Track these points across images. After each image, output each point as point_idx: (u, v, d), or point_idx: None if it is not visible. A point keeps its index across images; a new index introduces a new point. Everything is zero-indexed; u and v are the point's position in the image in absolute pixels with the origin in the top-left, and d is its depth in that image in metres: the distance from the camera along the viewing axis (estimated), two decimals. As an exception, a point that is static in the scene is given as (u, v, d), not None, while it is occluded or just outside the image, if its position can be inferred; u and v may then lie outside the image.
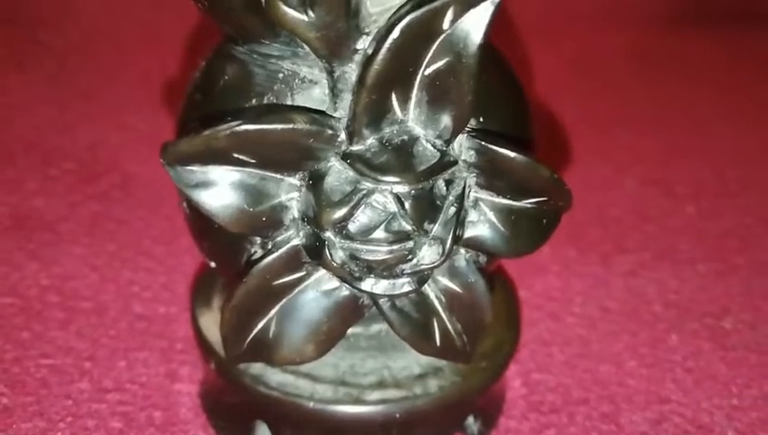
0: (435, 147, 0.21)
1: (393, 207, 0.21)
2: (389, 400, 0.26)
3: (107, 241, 0.39)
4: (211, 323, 0.28)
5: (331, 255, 0.22)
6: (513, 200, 0.23)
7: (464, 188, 0.22)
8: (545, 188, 0.23)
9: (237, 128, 0.20)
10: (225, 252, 0.25)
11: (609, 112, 0.50)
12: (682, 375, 0.33)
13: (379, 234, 0.21)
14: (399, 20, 0.19)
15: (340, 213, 0.21)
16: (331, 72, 0.21)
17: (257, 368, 0.26)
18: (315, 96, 0.22)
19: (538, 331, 0.35)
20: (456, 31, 0.20)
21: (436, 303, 0.24)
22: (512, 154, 0.21)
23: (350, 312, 0.24)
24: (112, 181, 0.44)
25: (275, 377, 0.26)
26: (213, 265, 0.27)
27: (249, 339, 0.24)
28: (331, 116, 0.21)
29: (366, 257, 0.21)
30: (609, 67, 0.54)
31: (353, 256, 0.22)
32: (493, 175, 0.22)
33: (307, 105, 0.22)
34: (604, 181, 0.45)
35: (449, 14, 0.19)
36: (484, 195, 0.23)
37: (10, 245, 0.38)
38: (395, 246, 0.21)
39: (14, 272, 0.36)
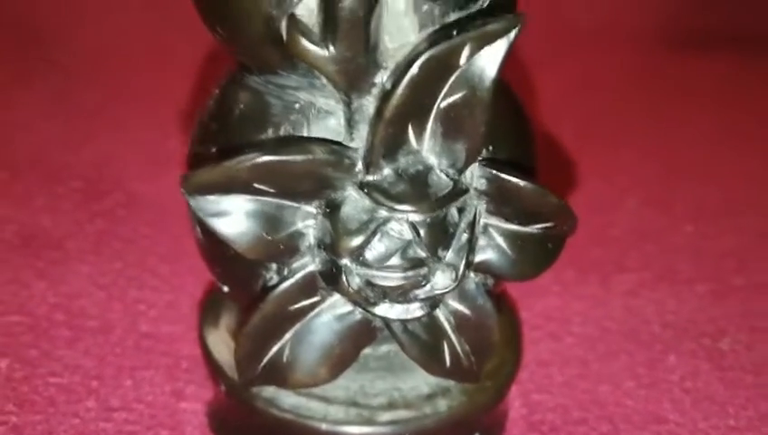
0: (448, 176, 0.22)
1: (408, 234, 0.22)
2: (400, 420, 0.26)
3: (113, 259, 0.39)
4: (220, 344, 0.29)
5: (347, 281, 0.22)
6: (521, 226, 0.24)
7: (475, 214, 0.23)
8: (552, 214, 0.24)
9: (259, 159, 0.21)
10: (239, 278, 0.25)
11: (608, 133, 0.51)
12: (679, 395, 0.33)
13: (395, 261, 0.22)
14: (418, 56, 0.20)
15: (357, 241, 0.22)
16: (348, 104, 0.22)
17: (269, 391, 0.27)
18: (331, 127, 0.23)
19: (537, 351, 0.35)
20: (471, 66, 0.20)
21: (446, 325, 0.25)
22: (522, 182, 0.22)
23: (362, 335, 0.25)
24: (118, 199, 0.44)
25: (288, 399, 0.26)
26: (225, 289, 0.27)
27: (263, 363, 0.25)
28: (348, 147, 0.22)
29: (382, 283, 0.22)
30: (609, 88, 0.55)
31: (369, 283, 0.22)
32: (502, 202, 0.23)
33: (323, 136, 0.22)
34: (604, 201, 0.45)
35: (466, 51, 0.20)
36: (493, 221, 0.24)
37: (18, 263, 0.38)
38: (410, 273, 0.22)
39: (22, 290, 0.36)
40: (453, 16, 0.21)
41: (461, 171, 0.22)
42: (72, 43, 0.60)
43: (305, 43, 0.20)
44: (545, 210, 0.23)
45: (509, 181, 0.22)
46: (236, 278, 0.26)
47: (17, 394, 0.31)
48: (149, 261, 0.39)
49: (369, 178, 0.21)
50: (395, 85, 0.20)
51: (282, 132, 0.23)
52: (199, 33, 0.59)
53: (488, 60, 0.20)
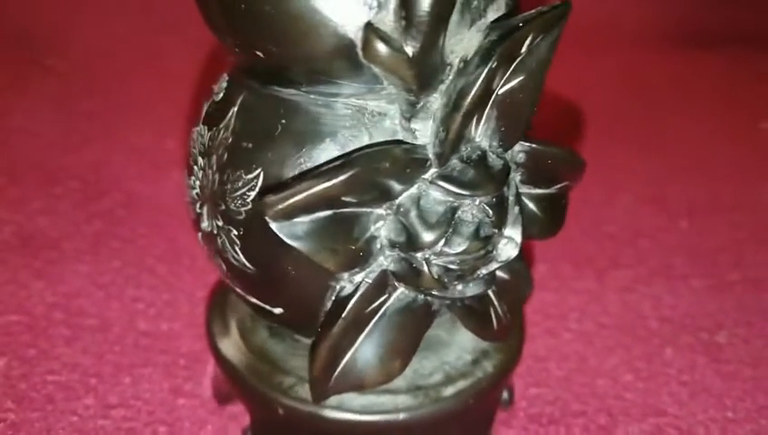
0: (498, 156, 0.23)
1: (480, 216, 0.23)
2: (462, 389, 0.27)
3: (111, 259, 0.39)
4: (251, 372, 0.28)
5: (430, 272, 0.23)
6: (546, 189, 0.26)
7: (516, 187, 0.24)
8: (571, 172, 0.26)
9: (352, 172, 0.21)
10: (305, 297, 0.25)
11: (603, 131, 0.51)
12: (677, 388, 0.33)
13: (469, 243, 0.23)
14: (491, 50, 0.21)
15: (439, 233, 0.22)
16: (414, 104, 0.22)
17: (333, 400, 0.26)
18: (387, 128, 0.23)
19: (535, 347, 0.35)
20: (531, 53, 0.22)
21: (491, 293, 0.26)
22: (555, 149, 0.25)
23: (425, 320, 0.25)
24: (116, 200, 0.45)
25: (356, 401, 0.26)
26: (278, 311, 0.26)
27: (337, 373, 0.25)
28: (418, 144, 0.22)
29: (459, 267, 0.23)
30: (604, 87, 0.55)
31: (447, 269, 0.23)
32: (536, 170, 0.25)
33: (383, 138, 0.23)
34: (599, 199, 0.45)
35: (529, 39, 0.21)
36: (524, 189, 0.25)
37: (16, 263, 0.38)
38: (481, 252, 0.23)
39: (20, 290, 0.36)
40: (489, 11, 0.22)
41: (507, 150, 0.23)
42: (69, 49, 0.60)
43: (385, 49, 0.21)
44: (567, 170, 0.26)
45: (545, 150, 0.24)
46: (301, 298, 0.25)
47: (16, 392, 0.31)
48: (147, 261, 0.39)
49: (442, 171, 0.22)
50: (474, 79, 0.21)
51: (341, 141, 0.23)
52: (193, 38, 0.59)
53: (546, 46, 0.22)
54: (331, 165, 0.21)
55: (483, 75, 0.21)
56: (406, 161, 0.22)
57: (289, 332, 0.28)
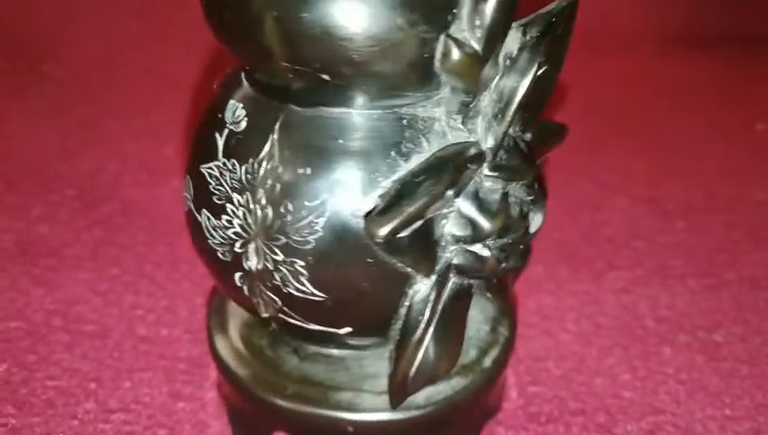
0: (522, 140, 0.25)
1: (521, 196, 0.25)
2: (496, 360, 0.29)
3: (110, 266, 0.39)
4: (300, 404, 0.27)
5: (493, 257, 0.24)
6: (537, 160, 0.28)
7: None
8: (556, 142, 0.29)
9: (449, 179, 0.23)
10: (378, 310, 0.25)
11: (599, 133, 0.52)
12: (675, 387, 0.34)
13: (518, 222, 0.25)
14: (536, 49, 0.23)
15: (501, 219, 0.24)
16: (468, 104, 0.23)
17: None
18: (437, 131, 0.23)
19: (533, 347, 0.36)
20: (554, 43, 0.23)
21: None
22: (554, 124, 0.28)
23: (468, 302, 0.26)
24: (114, 207, 0.45)
25: (423, 394, 0.27)
26: (346, 331, 0.26)
27: (413, 373, 0.25)
28: (476, 141, 0.24)
29: (511, 247, 0.24)
30: (599, 89, 0.56)
31: (502, 249, 0.24)
32: (539, 145, 0.27)
33: (438, 141, 0.23)
34: (595, 201, 0.46)
35: (559, 32, 0.23)
36: None
37: (16, 270, 0.38)
38: (524, 228, 0.25)
39: (20, 297, 0.37)
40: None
41: (526, 133, 0.25)
42: (66, 56, 0.61)
43: (463, 57, 0.22)
44: (555, 140, 0.28)
45: (549, 126, 0.27)
46: (374, 312, 0.25)
47: (16, 397, 0.31)
48: (146, 267, 0.39)
49: (494, 162, 0.24)
50: (525, 74, 0.23)
51: (404, 151, 0.23)
52: (189, 45, 0.59)
53: (565, 34, 0.23)
54: (421, 177, 0.22)
55: (533, 71, 0.22)
56: (474, 160, 0.23)
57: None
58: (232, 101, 0.25)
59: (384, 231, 0.22)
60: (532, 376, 0.34)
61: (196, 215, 0.25)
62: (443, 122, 0.24)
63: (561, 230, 0.44)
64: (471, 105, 0.23)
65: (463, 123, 0.24)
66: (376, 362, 0.28)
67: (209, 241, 0.25)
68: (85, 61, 0.60)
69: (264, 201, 0.23)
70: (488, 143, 0.23)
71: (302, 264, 0.23)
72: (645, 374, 0.34)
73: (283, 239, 0.23)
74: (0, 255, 0.40)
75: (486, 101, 0.23)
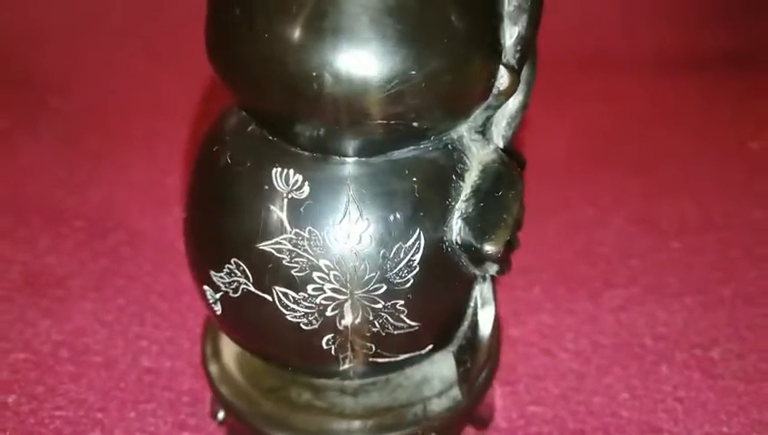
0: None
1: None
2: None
3: (116, 297, 0.40)
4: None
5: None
6: None
7: None
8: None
9: (522, 185, 0.26)
10: (458, 318, 0.28)
11: (593, 153, 0.52)
12: (673, 405, 0.34)
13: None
14: (533, 40, 0.25)
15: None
16: (491, 117, 0.26)
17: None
18: (466, 145, 0.26)
19: (532, 366, 0.36)
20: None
21: None
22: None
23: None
24: (120, 238, 0.46)
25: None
26: (428, 348, 0.27)
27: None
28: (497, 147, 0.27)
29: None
30: (592, 109, 0.57)
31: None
32: None
33: (471, 156, 0.26)
34: (590, 221, 0.46)
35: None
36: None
37: (24, 302, 0.39)
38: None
39: (27, 328, 0.37)
40: None
41: None
42: (74, 89, 0.62)
43: (512, 78, 0.24)
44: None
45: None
46: (455, 321, 0.28)
47: (25, 427, 0.32)
48: (150, 298, 0.40)
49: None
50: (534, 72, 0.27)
51: (459, 172, 0.25)
52: (192, 78, 0.60)
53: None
54: (501, 190, 0.25)
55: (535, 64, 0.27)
56: (514, 162, 0.27)
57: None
58: (277, 169, 0.24)
59: (498, 247, 0.24)
60: (531, 396, 0.34)
61: (263, 296, 0.25)
62: (466, 137, 0.25)
63: (557, 251, 0.44)
64: (492, 116, 0.26)
65: (483, 133, 0.26)
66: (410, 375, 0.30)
67: (287, 317, 0.25)
68: (93, 94, 0.61)
69: (358, 258, 0.24)
70: (500, 145, 0.27)
71: (402, 302, 0.24)
72: (643, 393, 0.35)
73: (384, 287, 0.24)
74: (8, 286, 0.41)
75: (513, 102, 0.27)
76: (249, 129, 0.25)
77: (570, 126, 0.54)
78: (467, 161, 0.25)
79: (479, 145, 0.26)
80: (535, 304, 0.40)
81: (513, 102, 0.27)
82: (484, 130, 0.26)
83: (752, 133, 0.53)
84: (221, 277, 0.26)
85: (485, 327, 0.29)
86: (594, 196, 0.48)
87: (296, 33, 0.22)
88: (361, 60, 0.21)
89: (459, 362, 0.29)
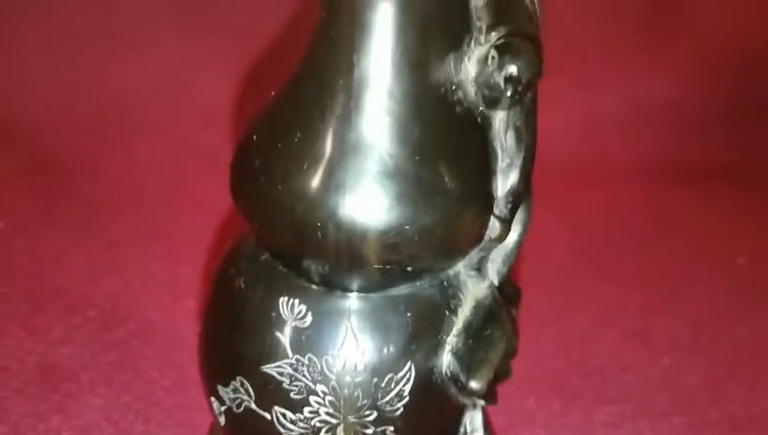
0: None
1: None
2: None
3: (123, 393, 0.41)
4: None
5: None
6: None
7: None
8: None
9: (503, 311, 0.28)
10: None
11: (590, 265, 0.54)
12: None
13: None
14: None
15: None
16: (485, 256, 0.28)
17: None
18: (463, 281, 0.28)
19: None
20: None
21: None
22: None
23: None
24: (130, 329, 0.47)
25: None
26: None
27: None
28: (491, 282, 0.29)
29: None
30: (591, 221, 0.59)
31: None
32: None
33: (466, 292, 0.28)
34: (586, 332, 0.48)
35: None
36: None
37: (37, 396, 0.41)
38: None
39: (39, 423, 0.39)
40: None
41: None
42: (97, 178, 0.65)
43: (503, 227, 0.27)
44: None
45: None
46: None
47: None
48: (156, 394, 0.42)
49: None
50: None
51: (452, 307, 0.27)
52: (212, 168, 0.63)
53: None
54: (488, 329, 0.27)
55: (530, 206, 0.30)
56: (503, 299, 0.29)
57: None
58: (284, 298, 0.26)
59: (483, 384, 0.26)
60: None
61: (263, 414, 0.27)
62: (463, 273, 0.27)
63: (552, 361, 0.46)
64: (486, 255, 0.28)
65: (479, 269, 0.28)
66: None
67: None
68: (114, 181, 0.64)
69: (352, 385, 0.26)
70: (495, 281, 0.28)
71: (392, 429, 0.26)
72: None
73: (375, 413, 0.26)
74: (23, 378, 0.42)
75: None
76: (262, 258, 0.28)
77: (569, 235, 0.56)
78: (461, 297, 0.27)
79: (474, 281, 0.28)
80: (529, 416, 0.41)
81: (509, 241, 0.29)
82: (479, 267, 0.28)
83: (739, 249, 0.55)
84: (227, 392, 0.28)
85: None
86: (591, 306, 0.50)
87: (306, 188, 0.25)
88: (361, 214, 0.24)
89: None
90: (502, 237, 0.27)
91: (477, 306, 0.28)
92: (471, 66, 0.25)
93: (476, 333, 0.27)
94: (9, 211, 0.58)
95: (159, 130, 0.69)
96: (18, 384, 0.41)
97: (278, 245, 0.27)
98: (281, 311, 0.26)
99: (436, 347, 0.26)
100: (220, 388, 0.28)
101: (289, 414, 0.26)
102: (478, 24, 0.25)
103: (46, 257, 0.55)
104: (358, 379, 0.26)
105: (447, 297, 0.27)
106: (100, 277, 0.53)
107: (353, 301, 0.26)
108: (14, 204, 0.59)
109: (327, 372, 0.26)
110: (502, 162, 0.27)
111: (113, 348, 0.45)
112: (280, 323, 0.26)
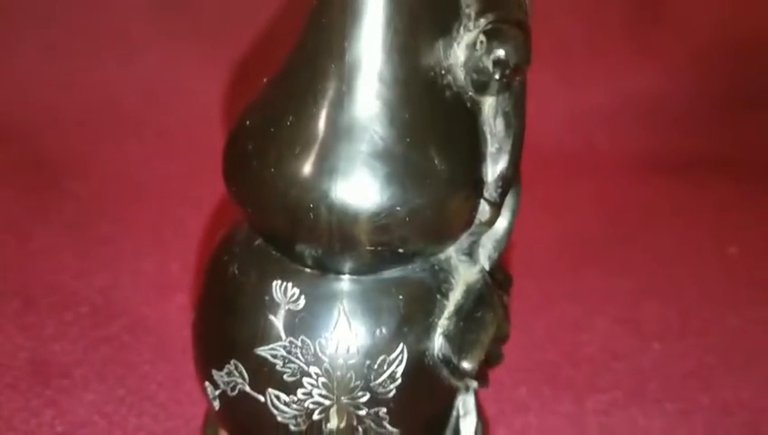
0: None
1: None
2: None
3: (116, 387, 0.41)
4: None
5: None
6: None
7: None
8: None
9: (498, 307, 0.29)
10: (441, 424, 0.30)
11: (580, 254, 0.54)
12: None
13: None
14: None
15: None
16: (476, 241, 0.29)
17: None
18: (454, 265, 0.29)
19: (517, 469, 0.37)
20: None
21: None
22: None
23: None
24: (123, 324, 0.47)
25: None
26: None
27: None
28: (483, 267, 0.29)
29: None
30: (581, 211, 0.59)
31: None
32: None
33: (456, 276, 0.28)
34: (576, 321, 0.48)
35: None
36: None
37: (29, 390, 0.41)
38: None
39: (32, 418, 0.39)
40: None
41: None
42: (88, 175, 0.64)
43: (493, 210, 0.27)
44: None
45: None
46: (438, 425, 0.30)
47: None
48: (150, 387, 0.42)
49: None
50: None
51: (444, 291, 0.27)
52: (203, 167, 0.63)
53: None
54: (479, 311, 0.27)
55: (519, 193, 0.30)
56: (495, 284, 0.30)
57: None
58: (277, 281, 0.27)
59: (474, 364, 0.26)
60: (512, 502, 0.35)
61: (257, 396, 0.27)
62: (454, 258, 0.28)
63: (543, 350, 0.46)
64: (477, 240, 0.28)
65: (470, 254, 0.28)
66: None
67: (277, 417, 0.27)
68: (105, 178, 0.64)
69: (345, 367, 0.26)
70: (486, 266, 0.29)
71: (385, 410, 0.27)
72: (621, 500, 0.36)
73: (368, 395, 0.26)
74: (14, 374, 0.42)
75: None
76: (256, 243, 0.28)
77: (557, 226, 0.57)
78: (452, 281, 0.28)
79: (466, 265, 0.29)
80: (521, 404, 0.42)
81: (499, 227, 0.29)
82: (470, 252, 0.29)
83: (731, 238, 0.56)
84: (221, 376, 0.28)
85: None
86: (581, 296, 0.50)
87: (298, 171, 0.25)
88: (353, 196, 0.25)
89: None
90: (491, 221, 0.27)
91: (468, 290, 0.28)
92: (460, 51, 0.25)
93: (467, 316, 0.27)
94: (0, 208, 0.57)
95: (150, 128, 0.69)
96: (10, 380, 0.41)
97: (271, 229, 0.27)
98: (274, 294, 0.27)
99: (428, 330, 0.27)
100: (214, 372, 0.28)
101: (282, 396, 0.27)
102: (467, 10, 0.26)
103: (37, 254, 0.54)
104: (351, 361, 0.26)
105: (439, 281, 0.27)
106: (91, 273, 0.52)
107: (346, 283, 0.27)
108: (4, 201, 0.58)
109: (320, 354, 0.26)
110: (491, 147, 0.27)
111: (105, 343, 0.45)
112: (273, 306, 0.27)
